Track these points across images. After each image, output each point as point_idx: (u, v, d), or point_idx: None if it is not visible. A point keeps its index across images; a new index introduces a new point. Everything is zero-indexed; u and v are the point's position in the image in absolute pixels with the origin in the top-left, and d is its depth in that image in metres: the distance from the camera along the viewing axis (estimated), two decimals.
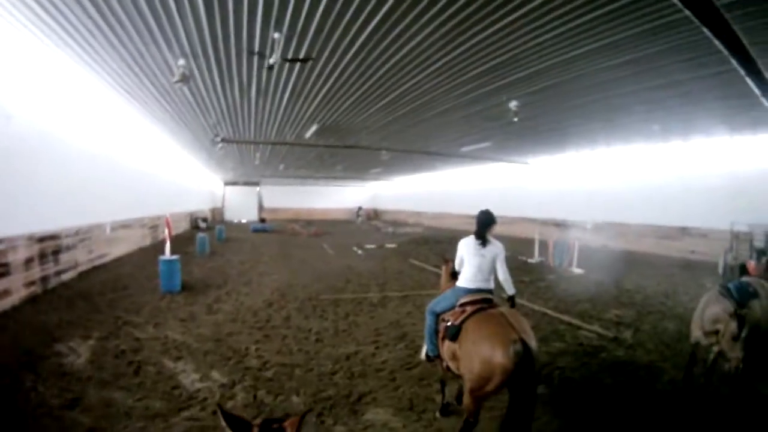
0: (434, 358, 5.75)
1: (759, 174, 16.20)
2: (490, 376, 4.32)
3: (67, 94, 12.55)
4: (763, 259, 12.12)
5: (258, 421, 1.94)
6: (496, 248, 5.49)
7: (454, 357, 4.95)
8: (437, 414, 5.60)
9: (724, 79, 9.94)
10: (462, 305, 5.19)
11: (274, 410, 5.72)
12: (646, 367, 7.31)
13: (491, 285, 5.50)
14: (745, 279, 6.48)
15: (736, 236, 14.69)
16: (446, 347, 5.15)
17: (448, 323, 5.12)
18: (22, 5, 7.80)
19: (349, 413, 5.69)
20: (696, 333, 6.19)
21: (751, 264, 8.10)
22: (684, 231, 19.55)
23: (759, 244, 13.65)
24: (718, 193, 17.30)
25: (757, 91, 8.94)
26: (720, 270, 14.47)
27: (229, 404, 5.84)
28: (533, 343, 4.32)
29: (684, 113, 13.49)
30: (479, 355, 4.43)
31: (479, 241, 5.49)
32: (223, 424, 1.87)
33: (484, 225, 5.54)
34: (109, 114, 15.68)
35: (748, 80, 8.49)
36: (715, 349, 5.78)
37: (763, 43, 7.74)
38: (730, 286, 6.05)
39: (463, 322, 4.93)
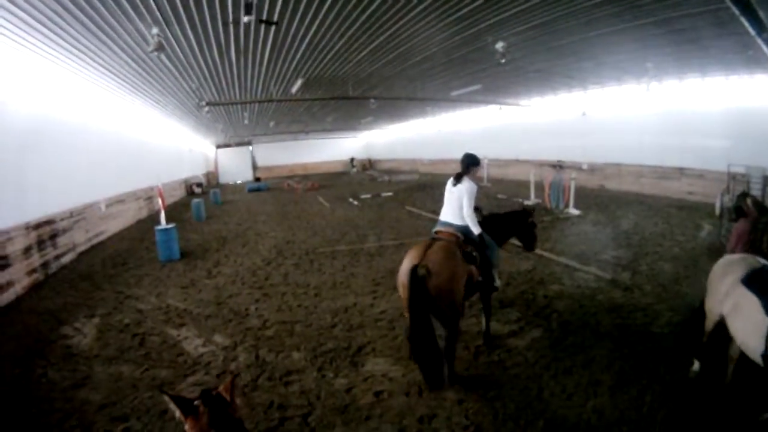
0: None
1: (756, 115, 15.92)
2: (400, 290, 5.40)
3: (46, 80, 12.32)
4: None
5: (196, 394, 2.13)
6: (464, 188, 5.76)
7: None
8: None
9: (717, 18, 9.69)
10: (435, 233, 6.01)
11: (276, 368, 5.88)
12: (643, 309, 7.34)
13: (461, 221, 5.83)
14: None
15: (732, 177, 14.54)
16: None
17: None
18: None
19: (349, 365, 5.89)
20: None
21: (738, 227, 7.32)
22: (681, 171, 19.15)
23: (755, 188, 13.20)
24: (715, 133, 16.92)
25: (752, 30, 8.66)
26: (717, 211, 14.38)
27: (232, 366, 6.02)
28: (429, 272, 4.98)
29: (677, 52, 13.19)
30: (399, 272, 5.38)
31: (453, 181, 5.92)
32: (172, 406, 2.08)
33: (463, 165, 5.96)
34: (91, 92, 15.41)
35: (743, 19, 8.23)
36: None
37: None
38: None
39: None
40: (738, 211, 7.61)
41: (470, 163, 5.94)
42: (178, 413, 2.05)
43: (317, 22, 10.16)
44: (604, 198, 19.38)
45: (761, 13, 8.06)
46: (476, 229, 5.76)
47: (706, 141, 17.35)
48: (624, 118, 21.45)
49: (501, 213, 7.00)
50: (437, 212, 6.16)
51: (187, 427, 2.02)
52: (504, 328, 6.72)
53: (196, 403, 2.08)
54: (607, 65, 15.80)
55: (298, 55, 13.12)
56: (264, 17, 9.38)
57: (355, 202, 23.22)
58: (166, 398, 2.09)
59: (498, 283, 6.09)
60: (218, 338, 7.03)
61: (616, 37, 11.76)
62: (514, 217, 6.90)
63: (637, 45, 12.59)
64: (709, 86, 17.17)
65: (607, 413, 4.65)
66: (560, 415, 4.68)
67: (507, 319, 6.91)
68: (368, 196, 25.46)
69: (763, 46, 9.14)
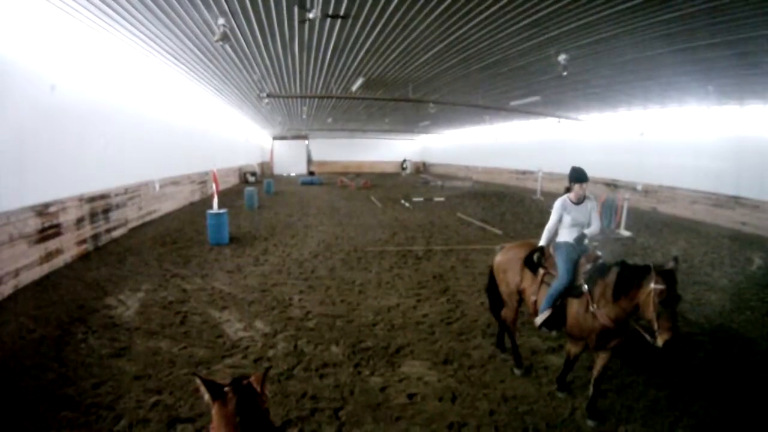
0: None
1: None
2: None
3: (111, 62, 12.68)
4: None
5: (228, 380, 2.13)
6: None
7: None
8: None
9: None
10: None
11: (313, 359, 5.82)
12: (683, 338, 6.87)
13: (557, 237, 5.73)
14: None
15: None
16: None
17: None
18: None
19: (386, 365, 5.76)
20: None
21: None
22: (736, 200, 18.07)
23: None
24: None
25: None
26: None
27: (270, 353, 5.97)
28: (499, 255, 6.01)
29: (739, 75, 12.65)
30: None
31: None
32: (202, 388, 2.08)
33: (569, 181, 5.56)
34: (154, 77, 15.88)
35: None
36: None
37: None
38: None
39: None
40: None
41: (570, 179, 5.51)
42: (207, 396, 2.04)
43: (382, 21, 10.09)
44: (656, 221, 18.54)
45: None
46: (541, 242, 5.62)
47: (765, 170, 16.51)
48: (682, 141, 20.57)
49: (610, 265, 5.35)
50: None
51: (213, 411, 2.02)
52: (543, 344, 6.48)
53: (226, 389, 2.07)
54: (669, 85, 15.24)
55: (361, 54, 13.11)
56: (330, 13, 9.40)
57: (407, 204, 23.01)
58: (198, 380, 2.09)
59: (537, 318, 5.27)
60: (259, 324, 7.02)
61: (680, 56, 11.32)
62: (625, 276, 4.81)
63: (700, 66, 12.10)
64: None
65: None
66: None
67: (547, 336, 6.68)
68: (420, 199, 25.13)
69: None
